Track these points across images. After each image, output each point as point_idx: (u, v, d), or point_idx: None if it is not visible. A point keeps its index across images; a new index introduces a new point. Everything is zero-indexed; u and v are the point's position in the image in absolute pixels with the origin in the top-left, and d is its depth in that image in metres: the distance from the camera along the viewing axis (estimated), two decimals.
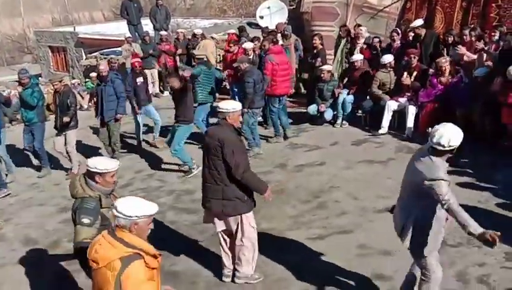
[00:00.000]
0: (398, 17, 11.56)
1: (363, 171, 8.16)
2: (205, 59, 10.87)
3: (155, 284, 3.40)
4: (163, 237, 6.53)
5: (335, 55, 11.30)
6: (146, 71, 14.09)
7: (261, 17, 15.52)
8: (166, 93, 13.87)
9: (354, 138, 9.61)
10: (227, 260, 5.60)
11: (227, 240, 5.54)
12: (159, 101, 14.02)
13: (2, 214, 8.39)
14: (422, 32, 10.07)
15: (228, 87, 12.02)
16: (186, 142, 9.04)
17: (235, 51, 11.54)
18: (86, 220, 4.29)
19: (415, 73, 9.42)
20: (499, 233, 3.88)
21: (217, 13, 30.27)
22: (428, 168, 4.09)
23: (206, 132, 5.53)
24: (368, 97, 9.97)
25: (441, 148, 4.12)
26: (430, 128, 4.38)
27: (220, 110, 5.25)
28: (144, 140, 10.72)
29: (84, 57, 19.52)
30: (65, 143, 9.44)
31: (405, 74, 9.47)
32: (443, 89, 8.78)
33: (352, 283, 5.36)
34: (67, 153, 9.55)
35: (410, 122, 9.20)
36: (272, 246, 6.01)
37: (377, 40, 10.79)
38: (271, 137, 9.93)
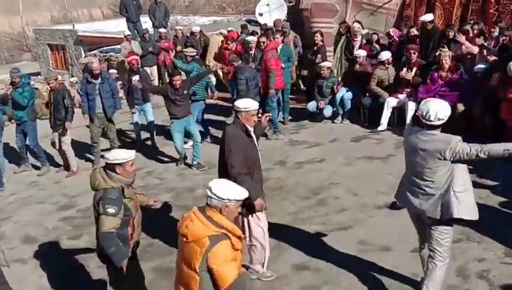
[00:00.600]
0: (397, 13, 11.54)
1: (363, 167, 8.16)
2: (197, 56, 10.93)
3: (238, 264, 3.53)
4: (164, 234, 6.53)
5: (334, 51, 11.29)
6: (145, 68, 14.11)
7: (260, 14, 15.46)
8: None
9: (354, 135, 9.61)
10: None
11: None
12: (157, 98, 14.00)
13: (1, 212, 8.40)
14: (430, 27, 10.06)
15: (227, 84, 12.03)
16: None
17: (233, 48, 11.53)
18: (111, 210, 4.35)
19: (414, 68, 9.41)
20: None
21: (216, 10, 30.25)
22: (439, 141, 4.30)
23: (223, 130, 5.45)
24: (367, 94, 9.98)
25: (430, 123, 4.29)
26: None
27: (234, 108, 5.22)
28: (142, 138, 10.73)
29: (83, 55, 19.50)
30: (59, 141, 9.54)
31: (404, 69, 9.47)
32: (443, 84, 8.78)
33: (352, 278, 5.36)
34: (61, 150, 9.64)
35: (409, 119, 9.18)
36: (271, 242, 6.00)
37: (375, 36, 10.78)
38: (274, 132, 9.92)
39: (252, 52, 10.55)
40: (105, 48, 17.81)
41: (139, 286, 5.02)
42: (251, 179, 5.10)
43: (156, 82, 14.58)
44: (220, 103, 12.33)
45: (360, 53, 10.15)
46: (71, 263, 6.45)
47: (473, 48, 9.03)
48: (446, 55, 8.74)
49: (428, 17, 10.20)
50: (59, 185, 9.23)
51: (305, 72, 11.99)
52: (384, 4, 11.62)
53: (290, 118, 10.73)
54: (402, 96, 9.48)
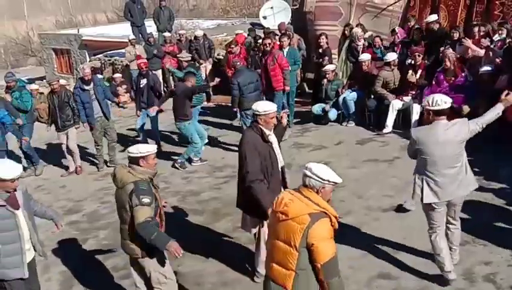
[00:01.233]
0: (401, 15, 11.52)
1: (368, 170, 8.15)
2: (192, 62, 11.05)
3: (335, 244, 3.58)
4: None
5: (339, 54, 11.29)
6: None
7: (264, 18, 15.50)
8: None
9: (359, 137, 9.60)
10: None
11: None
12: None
13: None
14: (436, 27, 10.05)
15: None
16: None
17: (237, 51, 11.56)
18: (146, 200, 4.44)
19: (419, 71, 9.39)
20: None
21: (220, 14, 30.30)
22: (457, 126, 4.87)
23: (242, 133, 5.46)
24: (372, 96, 9.97)
25: (439, 107, 4.80)
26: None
27: (253, 111, 5.17)
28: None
29: (88, 59, 19.56)
30: (67, 140, 9.70)
31: (410, 71, 9.45)
32: (448, 86, 8.76)
33: (359, 282, 5.35)
34: (68, 150, 9.77)
35: (414, 121, 9.18)
36: None
37: (377, 39, 10.77)
38: None
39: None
40: (110, 52, 17.87)
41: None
42: (267, 187, 5.03)
43: (161, 86, 14.62)
44: (221, 104, 12.36)
45: (364, 57, 10.14)
46: (77, 267, 6.46)
47: (479, 52, 9.00)
48: (451, 54, 8.73)
49: (433, 17, 10.20)
50: (65, 189, 9.26)
51: (309, 75, 12.00)
52: (388, 6, 11.61)
53: (295, 120, 10.74)
54: (407, 98, 9.46)
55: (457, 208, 5.12)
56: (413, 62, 9.54)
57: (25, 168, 10.07)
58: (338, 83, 10.42)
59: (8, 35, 34.74)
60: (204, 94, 10.76)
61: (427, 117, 4.91)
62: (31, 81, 21.68)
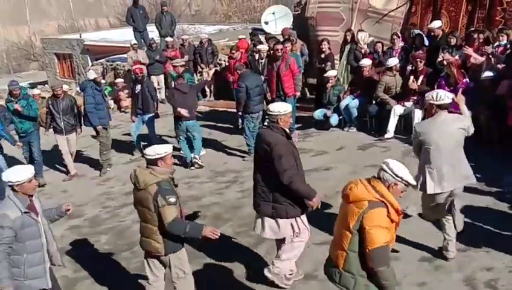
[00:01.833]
0: (403, 21, 11.54)
1: (370, 175, 8.11)
2: (187, 67, 11.14)
3: (389, 235, 3.69)
4: None
5: (340, 59, 11.31)
6: (152, 77, 14.21)
7: (266, 23, 15.52)
8: None
9: (360, 143, 9.59)
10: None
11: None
12: (164, 107, 14.05)
13: None
14: (440, 33, 10.07)
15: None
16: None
17: (238, 56, 11.59)
18: (172, 199, 4.62)
19: (421, 77, 9.40)
20: None
21: (222, 19, 30.37)
22: (461, 118, 5.32)
23: (258, 135, 5.41)
24: (373, 102, 9.97)
25: (443, 102, 5.16)
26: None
27: (271, 112, 5.16)
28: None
29: (90, 64, 19.60)
30: (68, 145, 9.81)
31: (411, 78, 9.46)
32: (450, 91, 8.76)
33: None
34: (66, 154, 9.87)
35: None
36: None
37: (379, 44, 10.78)
38: None
39: (263, 61, 10.63)
40: (111, 57, 17.91)
41: None
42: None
43: (163, 91, 14.65)
44: (224, 110, 12.38)
45: (365, 62, 10.14)
46: (79, 272, 6.46)
47: (480, 59, 9.01)
48: (452, 64, 8.76)
49: (437, 24, 10.20)
50: (66, 193, 9.27)
51: (311, 80, 12.01)
52: (389, 12, 11.63)
53: (296, 126, 10.74)
54: (409, 103, 9.46)
55: (454, 199, 5.37)
56: (414, 68, 9.54)
57: None
58: (339, 89, 10.44)
59: (11, 40, 34.85)
60: None
61: (430, 111, 5.24)
62: (33, 85, 21.76)
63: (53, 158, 10.55)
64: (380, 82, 9.72)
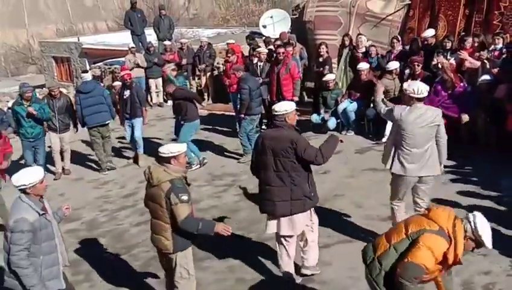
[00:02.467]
0: (400, 25, 11.56)
1: (367, 179, 8.15)
2: (181, 70, 11.24)
3: (432, 265, 3.68)
4: None
5: (338, 63, 11.33)
6: (151, 81, 14.23)
7: (264, 27, 15.55)
8: (170, 102, 13.89)
9: (358, 146, 9.60)
10: (288, 265, 5.60)
11: (289, 243, 5.54)
12: (162, 110, 14.08)
13: None
14: (433, 41, 10.14)
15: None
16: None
17: (234, 60, 11.62)
18: (185, 197, 4.69)
19: (418, 80, 9.40)
20: None
21: (220, 23, 30.39)
22: (432, 111, 5.68)
23: (264, 136, 5.47)
24: (371, 105, 9.97)
25: (422, 96, 5.55)
26: None
27: (278, 112, 5.32)
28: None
29: (88, 67, 19.58)
30: (61, 143, 9.99)
31: (409, 81, 9.46)
32: (447, 96, 8.79)
33: None
34: (61, 152, 10.06)
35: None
36: (275, 256, 5.98)
37: (373, 48, 10.80)
38: None
39: (261, 64, 10.66)
40: (109, 60, 17.91)
41: None
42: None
43: (161, 94, 14.67)
44: (221, 113, 12.39)
45: (363, 66, 10.16)
46: (77, 275, 6.44)
47: (475, 63, 9.04)
48: (448, 68, 8.80)
49: (430, 32, 10.29)
50: (63, 197, 9.24)
51: (309, 84, 12.02)
52: (387, 16, 11.65)
53: None
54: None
55: (423, 188, 5.78)
56: (412, 72, 9.55)
57: None
58: (337, 92, 10.46)
59: (9, 43, 34.83)
60: None
61: (408, 102, 5.58)
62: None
63: (48, 160, 10.50)
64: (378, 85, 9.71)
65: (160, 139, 11.23)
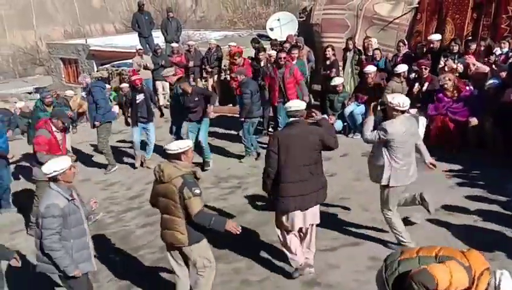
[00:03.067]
0: (408, 28, 11.54)
1: (373, 182, 8.11)
2: (183, 74, 11.38)
3: (447, 277, 3.61)
4: None
5: (344, 67, 11.32)
6: (157, 83, 14.25)
7: (271, 29, 15.58)
8: None
9: (365, 150, 9.53)
10: (301, 257, 5.70)
11: (301, 236, 5.70)
12: (168, 112, 14.06)
13: (14, 225, 8.45)
14: (438, 46, 10.12)
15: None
16: None
17: (241, 62, 11.64)
18: (197, 191, 4.84)
19: (426, 84, 9.39)
20: None
21: (227, 25, 30.43)
22: (414, 121, 6.08)
23: (284, 136, 5.52)
24: (378, 108, 9.94)
25: (406, 108, 5.77)
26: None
27: (295, 109, 5.51)
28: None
29: (95, 69, 19.68)
30: None
31: (416, 84, 9.46)
32: (451, 101, 8.78)
33: None
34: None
35: (421, 133, 9.14)
36: (282, 257, 5.98)
37: (377, 52, 10.79)
38: None
39: (270, 65, 10.71)
40: (117, 62, 17.99)
41: None
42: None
43: (167, 96, 14.69)
44: (231, 115, 12.38)
45: (370, 69, 10.14)
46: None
47: (483, 68, 9.02)
48: (448, 80, 8.80)
49: (436, 37, 10.27)
50: None
51: (315, 87, 12.02)
52: (394, 19, 11.63)
53: None
54: (413, 110, 9.43)
55: (405, 193, 6.14)
56: (417, 75, 9.55)
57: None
58: (344, 95, 10.47)
59: (17, 45, 34.98)
60: None
61: (391, 114, 5.77)
62: (38, 90, 21.84)
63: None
64: (386, 88, 9.70)
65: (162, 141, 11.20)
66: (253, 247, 6.59)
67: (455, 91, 8.84)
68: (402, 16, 11.61)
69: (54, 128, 7.61)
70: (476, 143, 8.69)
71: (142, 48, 14.93)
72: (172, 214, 4.96)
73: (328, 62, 10.94)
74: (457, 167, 8.20)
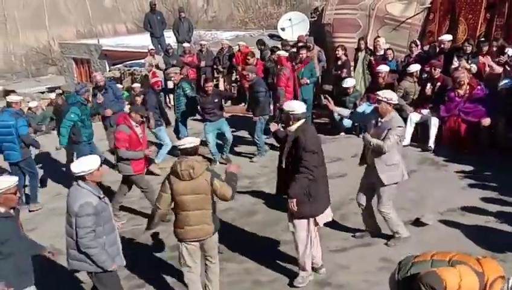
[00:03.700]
0: (420, 28, 11.49)
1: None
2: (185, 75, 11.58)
3: (456, 279, 3.58)
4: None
5: (355, 67, 11.29)
6: (169, 82, 14.27)
7: (283, 29, 15.57)
8: None
9: None
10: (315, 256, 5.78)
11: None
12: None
13: (27, 223, 8.50)
14: (449, 46, 10.08)
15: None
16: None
17: (254, 63, 11.65)
18: (222, 177, 5.15)
19: (438, 84, 9.35)
20: None
21: (238, 25, 30.43)
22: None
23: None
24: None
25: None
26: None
27: (302, 112, 5.54)
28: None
29: (107, 69, 19.77)
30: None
31: (428, 85, 9.42)
32: (462, 101, 8.72)
33: None
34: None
35: (433, 135, 9.10)
36: (292, 257, 5.99)
37: (389, 52, 10.75)
38: None
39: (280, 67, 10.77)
40: (129, 62, 18.07)
41: None
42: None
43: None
44: (241, 115, 12.40)
45: (382, 68, 10.11)
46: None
47: (498, 69, 8.96)
48: (463, 76, 8.74)
49: (447, 37, 10.23)
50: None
51: (327, 87, 12.00)
52: (407, 19, 11.58)
53: None
54: (425, 111, 9.40)
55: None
56: (429, 76, 9.51)
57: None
58: (356, 95, 10.44)
59: (29, 45, 35.27)
60: None
61: (387, 109, 5.94)
62: (51, 89, 22.01)
63: (55, 164, 10.59)
64: (398, 87, 9.66)
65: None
66: (263, 247, 6.60)
67: (467, 87, 8.77)
68: (414, 16, 11.56)
69: (133, 123, 7.69)
70: (489, 144, 8.63)
71: (154, 48, 14.99)
72: (202, 208, 5.10)
73: (339, 62, 10.92)
74: (469, 167, 8.16)
